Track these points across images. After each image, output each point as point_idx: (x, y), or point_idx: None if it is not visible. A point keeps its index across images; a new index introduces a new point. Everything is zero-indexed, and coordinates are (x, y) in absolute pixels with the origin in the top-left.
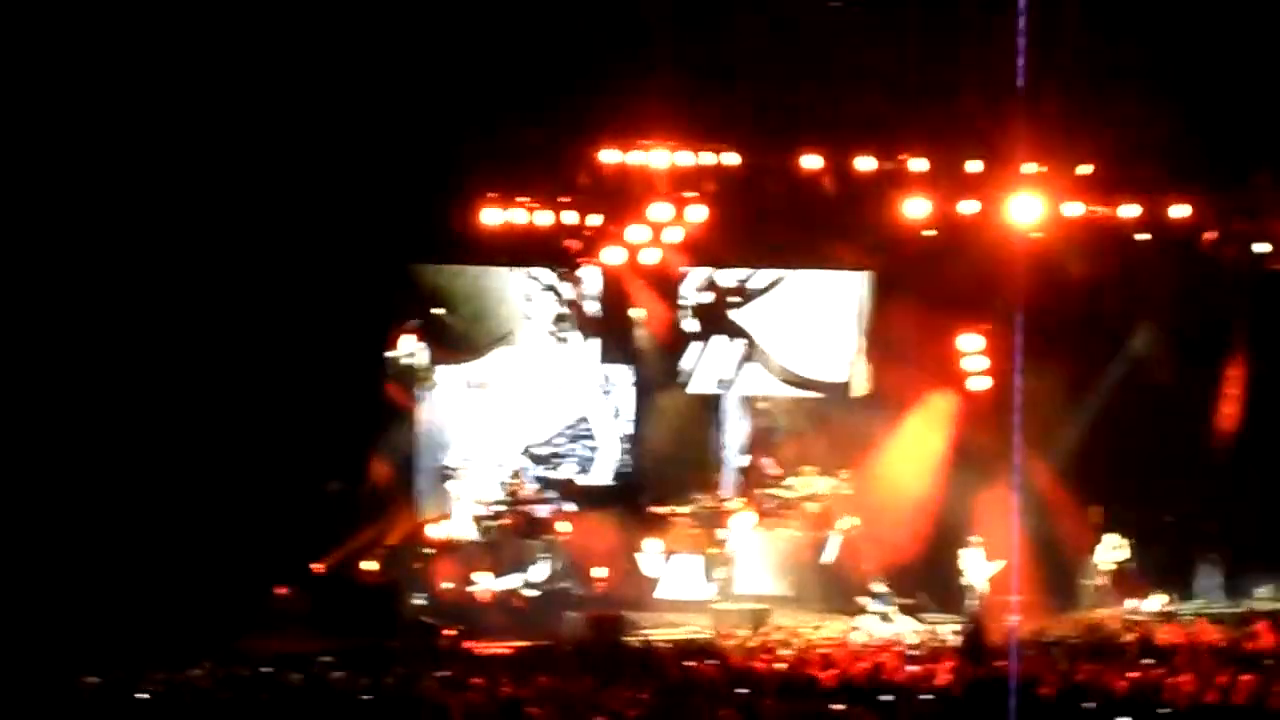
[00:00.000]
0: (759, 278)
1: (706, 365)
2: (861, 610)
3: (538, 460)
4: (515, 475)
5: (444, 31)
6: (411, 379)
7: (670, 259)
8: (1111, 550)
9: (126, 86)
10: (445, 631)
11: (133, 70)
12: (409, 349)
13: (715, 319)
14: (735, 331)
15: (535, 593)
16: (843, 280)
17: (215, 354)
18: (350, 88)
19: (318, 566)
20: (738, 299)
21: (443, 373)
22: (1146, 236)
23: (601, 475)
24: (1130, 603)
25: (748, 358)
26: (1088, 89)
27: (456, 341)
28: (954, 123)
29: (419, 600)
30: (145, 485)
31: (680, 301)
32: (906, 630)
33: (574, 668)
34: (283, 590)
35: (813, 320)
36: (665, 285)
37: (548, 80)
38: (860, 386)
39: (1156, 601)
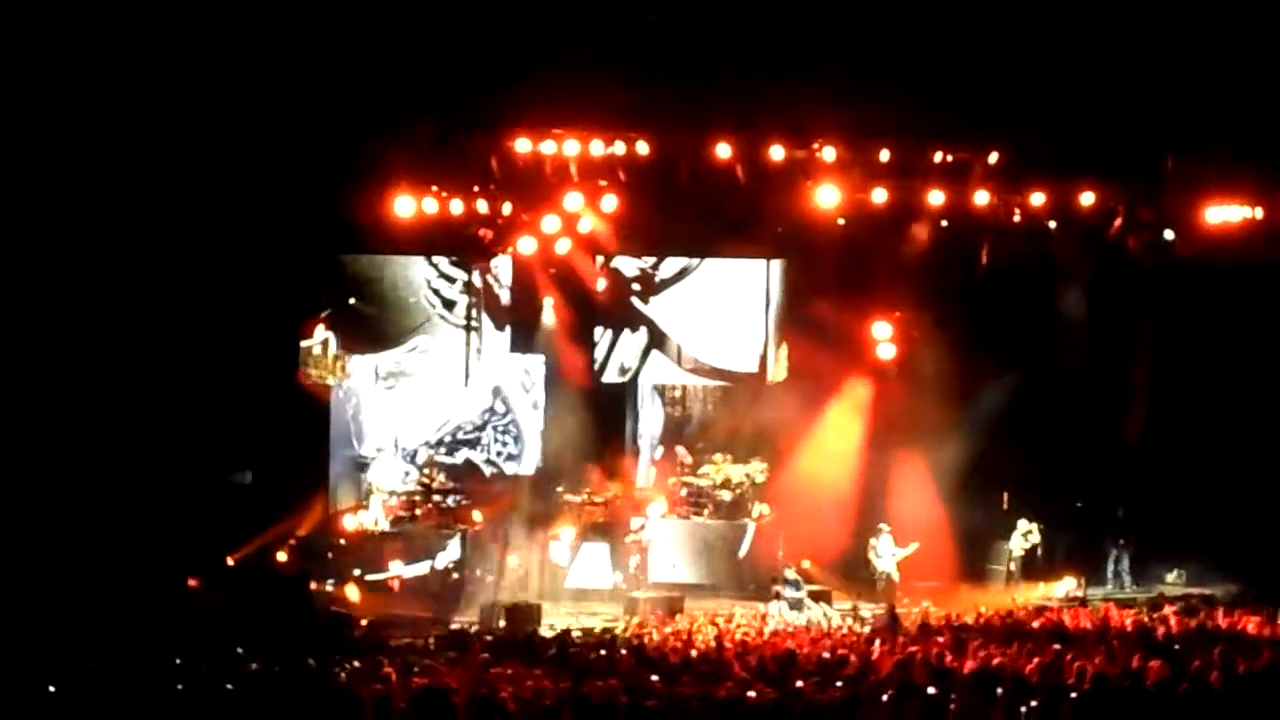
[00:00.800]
0: (668, 267)
1: (617, 355)
2: (775, 597)
3: (450, 449)
4: (429, 465)
5: (357, 20)
6: (325, 369)
7: (582, 248)
8: (1022, 535)
9: (40, 80)
10: (358, 622)
11: (45, 63)
12: (321, 339)
13: (625, 308)
14: (644, 321)
15: (447, 581)
16: (753, 269)
17: (125, 345)
18: (263, 78)
19: (230, 558)
20: (647, 288)
21: (356, 362)
22: (1053, 224)
23: (514, 464)
24: (1040, 587)
25: (656, 347)
26: (995, 77)
27: (370, 331)
28: (863, 111)
29: (332, 591)
30: (54, 477)
31: (591, 291)
32: (819, 616)
33: (489, 657)
34: (195, 582)
35: (722, 309)
36: (576, 275)
37: (460, 69)
38: (774, 374)
39: (1065, 586)
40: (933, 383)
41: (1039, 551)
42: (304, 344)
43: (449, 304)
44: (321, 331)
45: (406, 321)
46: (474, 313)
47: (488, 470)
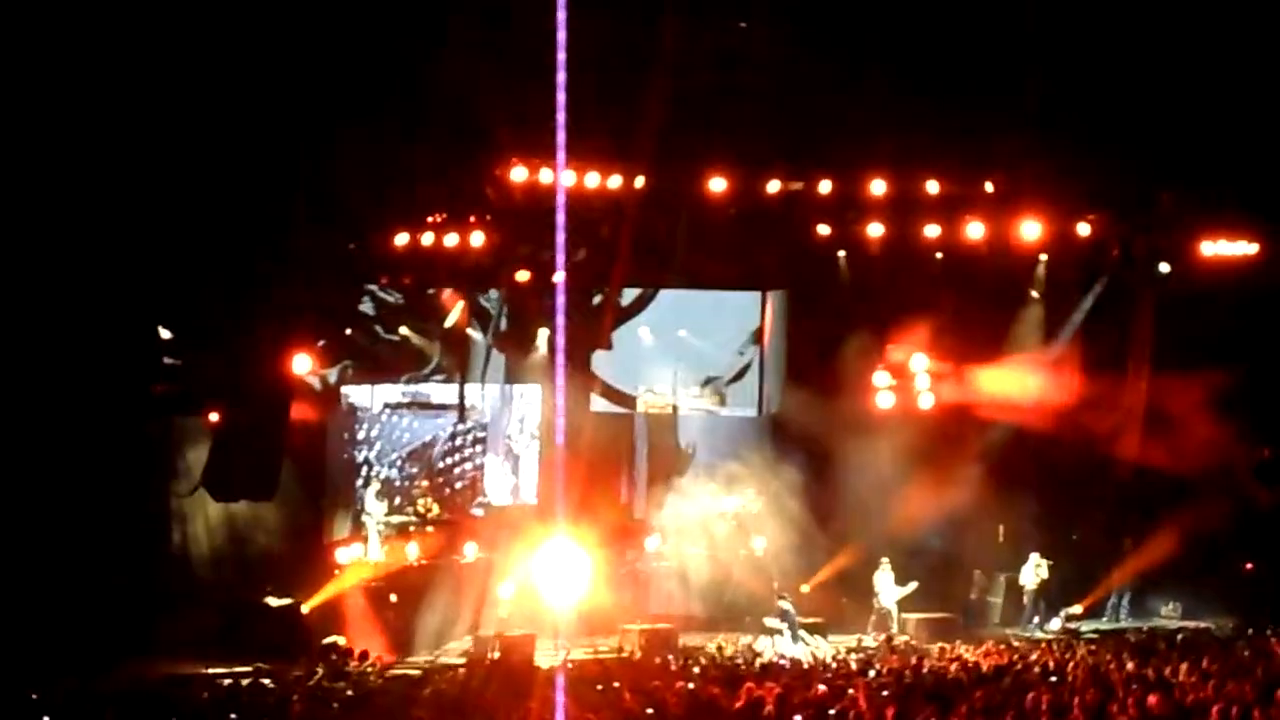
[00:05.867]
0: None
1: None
2: (769, 630)
3: (449, 479)
4: (423, 494)
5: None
6: (324, 398)
7: (578, 278)
8: (1034, 569)
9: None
10: (352, 651)
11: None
12: (321, 369)
13: (613, 336)
14: (630, 349)
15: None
16: (741, 300)
17: (120, 376)
18: (259, 109)
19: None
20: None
21: (355, 392)
22: (1044, 257)
23: (511, 494)
24: (1035, 620)
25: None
26: (991, 108)
27: (370, 362)
28: (860, 145)
29: (327, 621)
30: (50, 504)
31: (589, 320)
32: (814, 649)
33: (485, 688)
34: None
35: (708, 338)
36: (571, 304)
37: (457, 102)
38: (766, 405)
39: (1060, 620)
40: (931, 415)
41: (1037, 585)
42: (302, 374)
43: (452, 334)
44: (316, 361)
45: (404, 352)
46: (472, 343)
47: (481, 500)
